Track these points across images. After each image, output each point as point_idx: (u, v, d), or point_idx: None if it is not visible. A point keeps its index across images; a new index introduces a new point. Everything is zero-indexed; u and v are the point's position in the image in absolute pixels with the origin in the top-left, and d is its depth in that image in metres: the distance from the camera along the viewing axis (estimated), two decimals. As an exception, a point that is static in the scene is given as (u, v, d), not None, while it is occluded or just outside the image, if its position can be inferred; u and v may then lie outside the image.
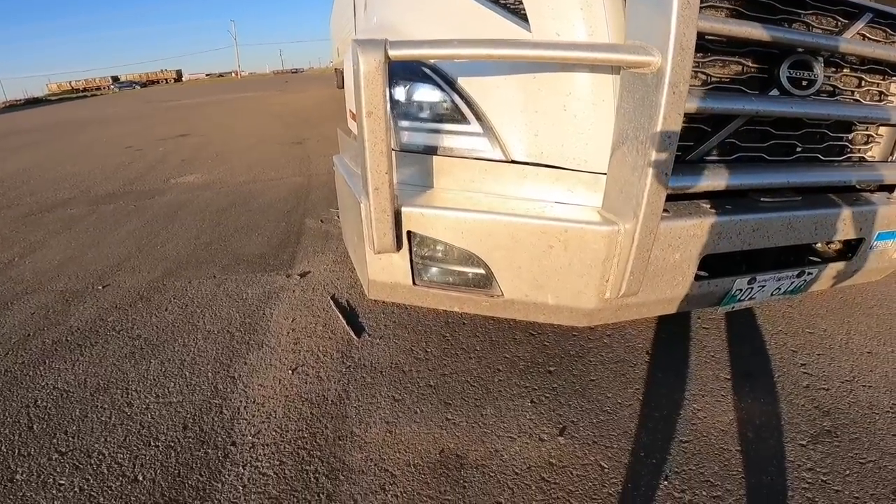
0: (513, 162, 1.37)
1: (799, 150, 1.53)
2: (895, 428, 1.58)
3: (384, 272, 1.43)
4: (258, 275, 2.70)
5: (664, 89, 1.08)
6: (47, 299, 2.63)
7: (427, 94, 1.47)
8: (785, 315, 2.22)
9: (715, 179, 1.32)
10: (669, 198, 1.23)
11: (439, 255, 1.40)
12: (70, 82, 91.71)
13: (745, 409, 1.67)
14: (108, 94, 60.79)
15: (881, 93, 1.62)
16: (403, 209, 1.30)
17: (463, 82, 1.44)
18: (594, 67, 1.25)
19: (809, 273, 1.56)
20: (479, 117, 1.40)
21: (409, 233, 1.34)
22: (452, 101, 1.43)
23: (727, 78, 1.36)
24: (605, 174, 1.29)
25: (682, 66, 1.07)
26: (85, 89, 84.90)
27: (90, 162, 6.74)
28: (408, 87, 1.50)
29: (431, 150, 1.44)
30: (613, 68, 1.23)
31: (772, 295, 1.57)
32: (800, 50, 1.35)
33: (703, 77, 1.34)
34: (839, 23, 1.45)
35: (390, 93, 1.32)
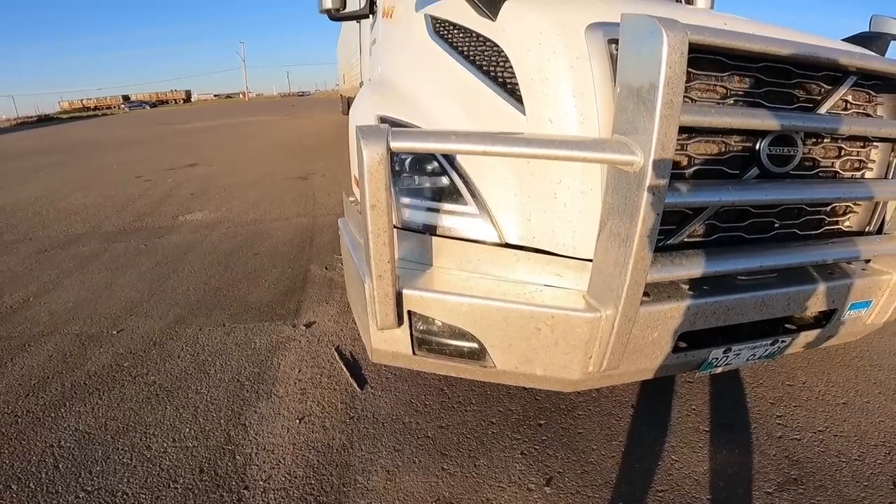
0: (507, 245, 1.57)
1: (777, 226, 1.70)
2: (859, 475, 1.79)
3: (386, 342, 1.61)
4: (265, 324, 2.93)
5: (644, 190, 1.23)
6: (64, 342, 2.85)
7: (427, 170, 1.68)
8: (767, 368, 2.43)
9: (692, 268, 1.46)
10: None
11: (437, 330, 1.58)
12: (82, 100, 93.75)
13: (720, 459, 1.88)
14: (119, 113, 62.10)
15: (861, 161, 1.78)
16: (405, 291, 1.47)
17: (461, 159, 1.63)
18: None
19: (783, 341, 1.73)
20: (476, 197, 1.59)
21: (409, 311, 1.51)
22: (451, 180, 1.63)
23: (709, 156, 1.53)
24: (591, 260, 1.45)
25: (663, 167, 1.22)
26: (96, 108, 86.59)
27: (101, 192, 7.06)
28: (409, 160, 1.70)
29: (431, 230, 1.64)
30: None
31: (747, 360, 1.75)
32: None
33: (687, 158, 1.51)
34: (822, 89, 1.61)
35: (392, 167, 1.53)
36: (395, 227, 1.53)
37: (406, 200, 1.67)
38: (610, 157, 1.26)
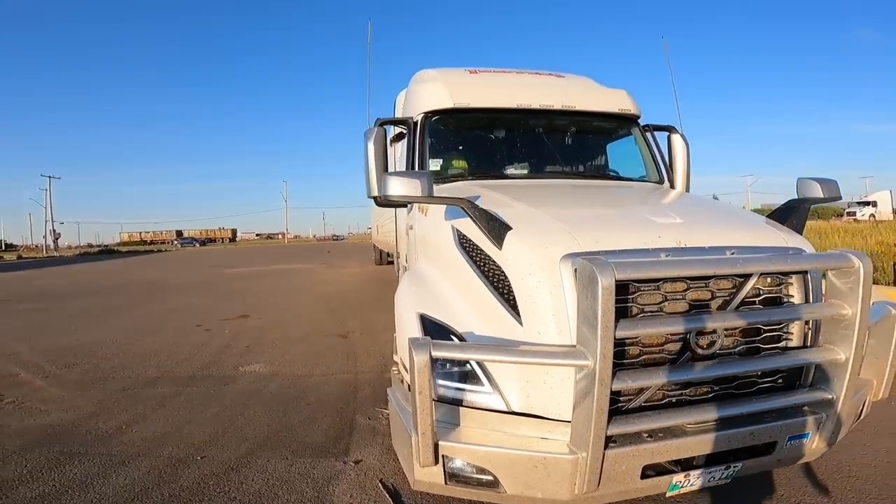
0: (513, 413, 2.29)
1: (716, 389, 2.33)
2: None
3: (425, 475, 2.29)
4: (321, 459, 3.62)
5: (596, 381, 1.97)
6: (157, 463, 3.59)
7: (458, 362, 2.36)
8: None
9: (642, 425, 2.15)
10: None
11: (463, 467, 2.26)
12: (140, 233, 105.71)
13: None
14: (172, 250, 67.88)
15: (780, 335, 2.41)
16: (441, 443, 2.12)
17: None
18: None
19: (735, 466, 2.32)
20: (491, 381, 2.32)
21: (443, 455, 2.16)
22: (473, 369, 2.36)
23: (655, 346, 2.26)
24: (570, 422, 2.18)
25: (606, 367, 1.95)
26: (152, 242, 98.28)
27: (168, 339, 8.11)
28: None
29: (459, 402, 2.33)
30: None
31: (708, 481, 2.32)
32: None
33: (639, 348, 2.26)
34: (736, 282, 2.31)
35: (432, 355, 2.12)
36: (434, 400, 2.21)
37: (441, 382, 2.39)
38: (573, 361, 2.07)
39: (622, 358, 2.24)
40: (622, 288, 2.17)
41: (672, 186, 4.70)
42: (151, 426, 4.31)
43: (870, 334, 2.78)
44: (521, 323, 2.37)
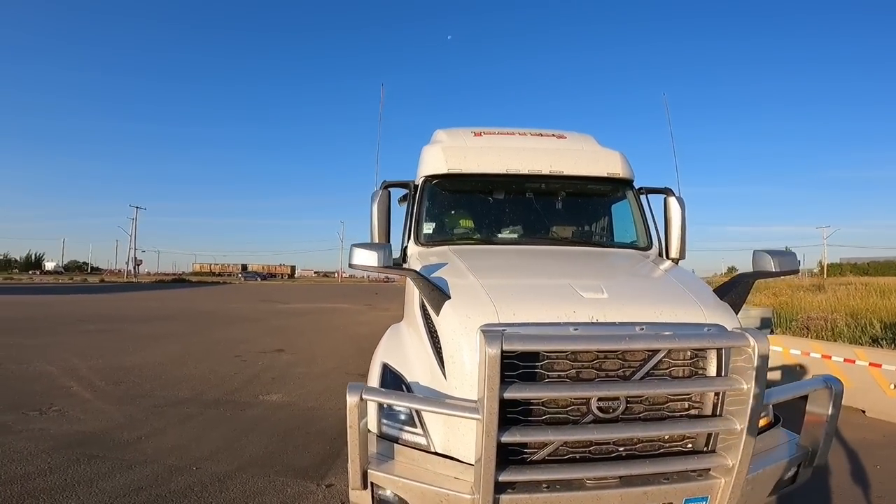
0: (436, 453, 2.50)
1: (622, 449, 2.48)
2: None
3: (357, 497, 2.54)
4: (299, 480, 3.99)
5: (483, 432, 2.14)
6: (159, 469, 4.09)
7: (397, 407, 2.67)
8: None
9: (538, 475, 2.32)
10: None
11: (386, 494, 2.49)
12: (210, 265, 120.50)
13: None
14: (236, 282, 71.66)
15: (690, 402, 2.49)
16: (370, 471, 2.34)
17: None
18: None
19: None
20: (423, 425, 2.62)
21: (371, 482, 2.38)
22: (410, 414, 2.67)
23: (559, 407, 2.38)
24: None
25: (492, 422, 2.10)
26: (220, 273, 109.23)
27: (207, 367, 8.84)
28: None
29: (395, 440, 2.58)
30: None
31: None
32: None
33: (542, 409, 2.38)
34: (647, 355, 2.41)
35: (362, 397, 2.39)
36: (376, 434, 2.57)
37: (387, 422, 2.65)
38: (468, 415, 2.29)
39: (528, 415, 2.45)
40: (532, 356, 2.41)
41: (666, 251, 4.77)
42: (166, 439, 4.83)
43: (808, 402, 2.86)
44: (445, 377, 2.67)
